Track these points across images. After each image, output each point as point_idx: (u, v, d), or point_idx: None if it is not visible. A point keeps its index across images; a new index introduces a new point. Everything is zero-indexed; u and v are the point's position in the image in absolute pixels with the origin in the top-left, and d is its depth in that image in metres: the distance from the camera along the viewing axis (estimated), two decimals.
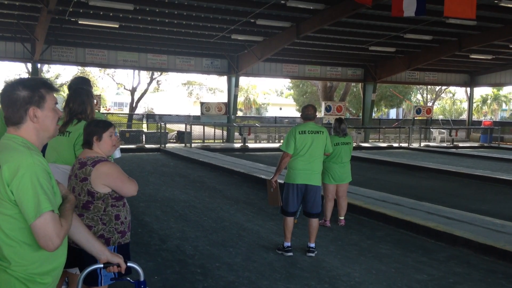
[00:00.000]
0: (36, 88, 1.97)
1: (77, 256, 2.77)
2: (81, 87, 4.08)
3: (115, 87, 46.51)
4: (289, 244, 5.61)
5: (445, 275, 5.08)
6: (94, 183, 2.93)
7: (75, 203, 2.22)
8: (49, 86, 2.02)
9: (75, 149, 3.72)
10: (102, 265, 2.28)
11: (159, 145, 19.85)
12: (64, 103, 3.93)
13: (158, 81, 35.56)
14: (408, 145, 23.36)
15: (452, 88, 47.09)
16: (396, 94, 37.37)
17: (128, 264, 2.33)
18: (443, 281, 4.88)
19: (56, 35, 18.63)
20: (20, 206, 1.82)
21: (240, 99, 48.86)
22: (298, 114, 24.87)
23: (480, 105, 53.84)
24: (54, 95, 2.04)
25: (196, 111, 30.68)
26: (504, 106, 57.64)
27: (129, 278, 2.44)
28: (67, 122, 3.81)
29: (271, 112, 55.61)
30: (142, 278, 2.35)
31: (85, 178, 2.94)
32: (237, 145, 21.48)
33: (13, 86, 1.96)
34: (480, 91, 51.17)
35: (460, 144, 25.01)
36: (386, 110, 47.12)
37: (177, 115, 28.86)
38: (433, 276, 5.03)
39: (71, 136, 3.77)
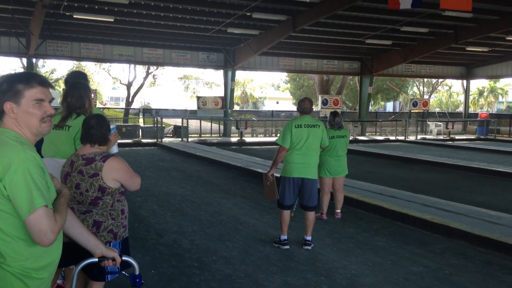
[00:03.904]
0: (12, 83, 1.93)
1: (73, 252, 2.76)
2: (78, 81, 4.06)
3: (111, 82, 46.30)
4: (285, 237, 5.62)
5: (441, 266, 5.10)
6: (106, 178, 2.92)
7: (70, 197, 2.20)
8: (27, 81, 1.92)
9: (76, 144, 3.71)
10: (97, 259, 2.28)
11: (155, 140, 19.80)
12: (61, 98, 3.91)
13: (154, 76, 35.41)
14: (405, 138, 23.39)
15: (448, 81, 47.09)
16: (393, 87, 37.35)
17: (123, 258, 2.33)
18: (439, 273, 4.90)
19: (51, 30, 18.51)
20: (14, 202, 1.81)
21: (237, 93, 48.77)
22: (295, 108, 24.85)
23: (476, 97, 53.83)
24: (43, 91, 1.95)
25: (193, 105, 30.63)
26: (500, 99, 57.64)
27: (124, 272, 2.44)
28: (66, 117, 3.79)
29: (268, 106, 55.54)
30: (137, 272, 2.35)
31: (96, 174, 2.92)
32: (234, 139, 21.45)
33: (2, 78, 1.96)
34: (477, 84, 51.22)
35: (457, 137, 25.05)
36: (383, 103, 47.10)
37: (173, 110, 28.75)
38: (429, 268, 5.05)
39: (71, 130, 3.75)
